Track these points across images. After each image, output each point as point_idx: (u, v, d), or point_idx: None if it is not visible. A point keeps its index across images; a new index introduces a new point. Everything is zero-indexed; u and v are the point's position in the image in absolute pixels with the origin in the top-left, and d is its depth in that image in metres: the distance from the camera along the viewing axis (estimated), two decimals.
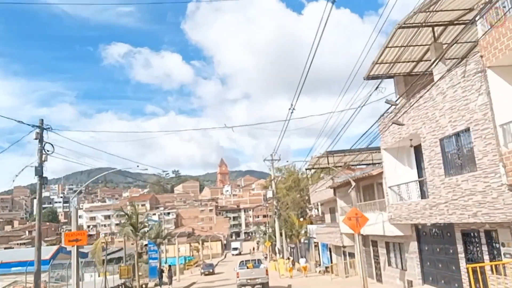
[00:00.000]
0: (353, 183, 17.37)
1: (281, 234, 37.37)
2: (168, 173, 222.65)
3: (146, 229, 30.94)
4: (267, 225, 64.58)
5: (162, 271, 28.22)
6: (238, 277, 21.43)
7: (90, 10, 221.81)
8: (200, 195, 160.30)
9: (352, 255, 22.90)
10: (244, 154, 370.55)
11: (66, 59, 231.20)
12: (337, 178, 22.97)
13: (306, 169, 33.51)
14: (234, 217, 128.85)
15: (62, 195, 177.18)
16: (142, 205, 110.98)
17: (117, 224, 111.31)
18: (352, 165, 27.78)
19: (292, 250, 42.38)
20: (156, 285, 28.32)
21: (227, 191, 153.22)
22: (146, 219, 32.08)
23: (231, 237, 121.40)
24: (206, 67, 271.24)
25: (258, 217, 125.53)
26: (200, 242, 68.36)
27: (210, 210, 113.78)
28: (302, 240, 37.84)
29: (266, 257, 57.82)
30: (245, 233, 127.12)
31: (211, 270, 43.05)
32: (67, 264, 22.52)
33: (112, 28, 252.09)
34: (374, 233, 18.12)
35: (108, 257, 58.63)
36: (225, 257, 78.40)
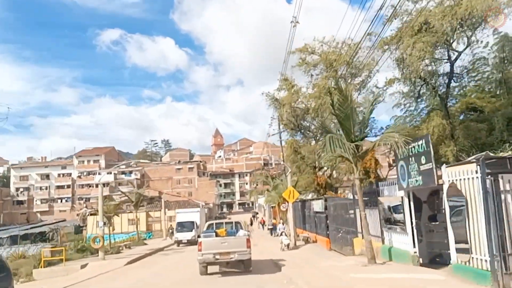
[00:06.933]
0: None
1: None
2: (156, 143, 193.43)
3: None
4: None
5: None
6: (200, 250, 12.41)
7: (97, 1, 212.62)
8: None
9: None
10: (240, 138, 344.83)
11: (73, 46, 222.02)
12: None
13: None
14: (226, 184, 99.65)
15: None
16: (95, 162, 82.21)
17: (58, 187, 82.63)
18: None
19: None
20: None
21: (219, 156, 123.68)
22: None
23: (221, 208, 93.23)
24: (198, 56, 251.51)
25: (256, 184, 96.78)
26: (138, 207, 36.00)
27: (190, 169, 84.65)
28: None
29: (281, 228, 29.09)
30: (239, 204, 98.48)
31: None
32: None
33: (112, 17, 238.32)
34: None
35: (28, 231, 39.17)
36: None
